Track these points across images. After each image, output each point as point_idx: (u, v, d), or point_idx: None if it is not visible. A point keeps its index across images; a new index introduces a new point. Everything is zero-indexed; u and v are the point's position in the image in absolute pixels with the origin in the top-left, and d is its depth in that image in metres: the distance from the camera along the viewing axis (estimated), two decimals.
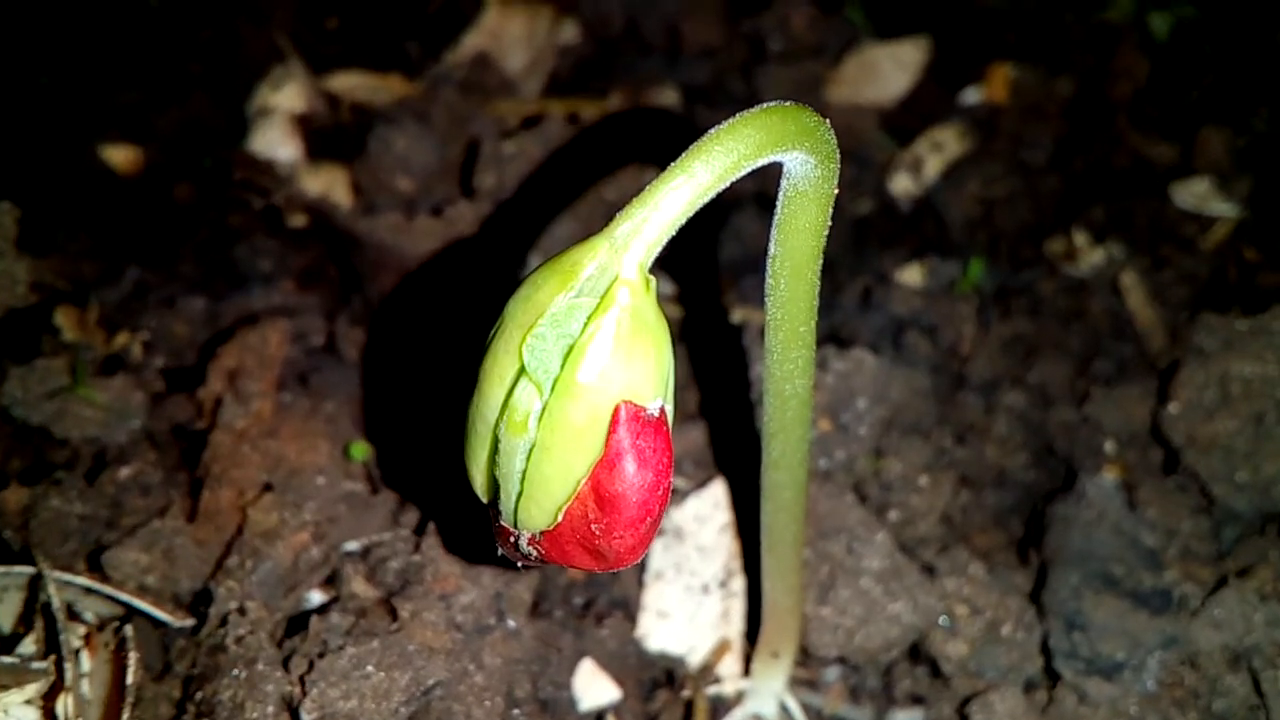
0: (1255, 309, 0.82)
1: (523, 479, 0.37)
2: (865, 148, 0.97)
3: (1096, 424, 0.77)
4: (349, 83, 0.93)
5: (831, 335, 0.81)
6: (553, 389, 0.36)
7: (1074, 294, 0.85)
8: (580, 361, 0.35)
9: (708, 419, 0.72)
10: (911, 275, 0.86)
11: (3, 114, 0.86)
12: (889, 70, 0.98)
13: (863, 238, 0.92)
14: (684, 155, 0.37)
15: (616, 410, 0.36)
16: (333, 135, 0.90)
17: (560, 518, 0.37)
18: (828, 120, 0.39)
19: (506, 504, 0.39)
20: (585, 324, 0.36)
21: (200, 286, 0.77)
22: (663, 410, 0.37)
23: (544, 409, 0.36)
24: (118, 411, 0.64)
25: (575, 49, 1.02)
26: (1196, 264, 0.88)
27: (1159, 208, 0.91)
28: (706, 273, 0.83)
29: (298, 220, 0.82)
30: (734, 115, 0.38)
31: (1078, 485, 0.70)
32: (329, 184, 0.86)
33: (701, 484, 0.68)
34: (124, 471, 0.61)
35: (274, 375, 0.65)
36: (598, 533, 0.37)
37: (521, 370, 0.36)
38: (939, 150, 0.95)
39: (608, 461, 0.36)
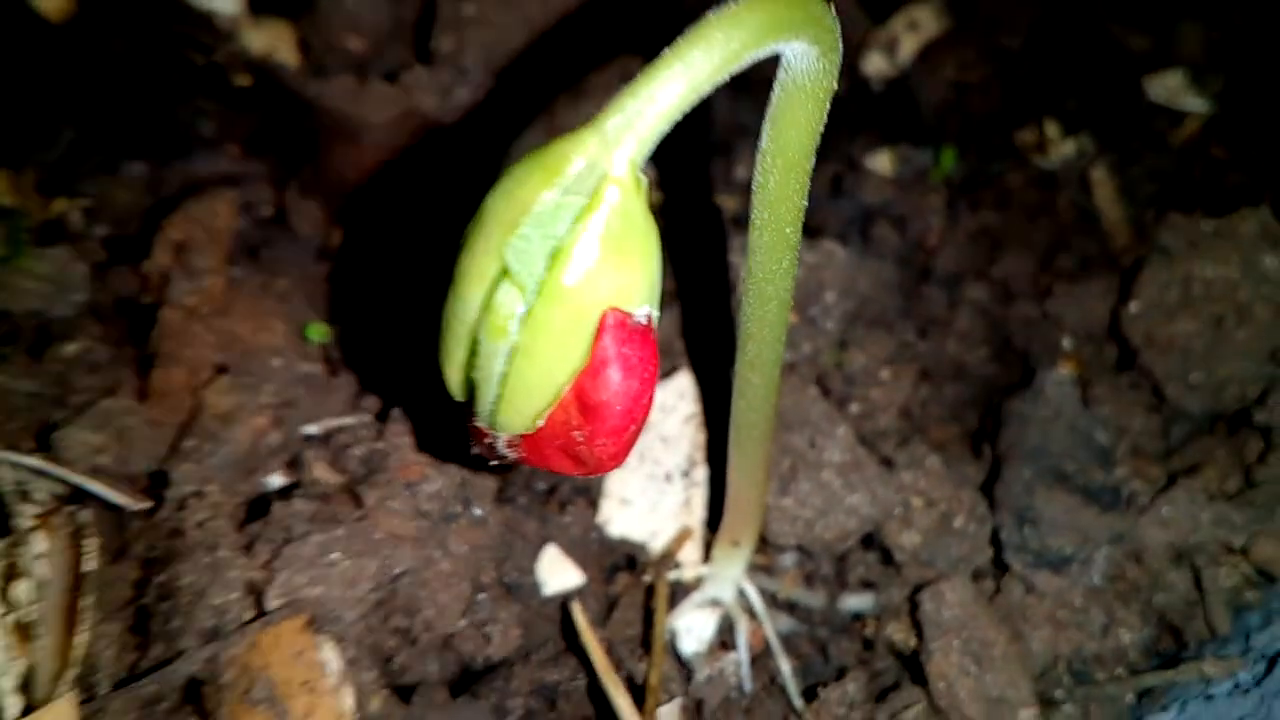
0: (1220, 208, 0.83)
1: (502, 382, 0.36)
2: (840, 24, 0.93)
3: (1056, 320, 0.78)
4: None
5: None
6: (537, 292, 0.34)
7: (1042, 187, 0.85)
8: (566, 264, 0.34)
9: (677, 307, 0.71)
10: (882, 163, 0.84)
11: None
12: None
13: (833, 119, 0.90)
14: (680, 41, 0.35)
15: (603, 316, 0.34)
16: None
17: (541, 423, 0.36)
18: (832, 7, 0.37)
19: (484, 406, 0.37)
20: (572, 224, 0.34)
21: (141, 150, 0.73)
22: (649, 317, 0.36)
23: (527, 313, 0.35)
24: (59, 284, 0.61)
25: None
26: (1165, 160, 0.88)
27: (1132, 100, 0.90)
28: (682, 153, 0.81)
29: (242, 80, 0.77)
30: None
31: (1035, 382, 0.71)
32: (273, 41, 0.81)
33: (667, 374, 0.68)
34: (70, 348, 0.58)
35: (224, 249, 0.62)
36: (579, 439, 0.37)
37: (504, 271, 0.35)
38: (915, 30, 0.92)
39: (592, 369, 0.35)
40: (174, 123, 0.75)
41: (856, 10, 0.94)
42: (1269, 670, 0.57)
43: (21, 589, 0.48)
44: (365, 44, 0.78)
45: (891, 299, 0.75)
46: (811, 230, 0.78)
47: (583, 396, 0.36)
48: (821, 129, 0.40)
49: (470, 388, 0.38)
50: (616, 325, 0.35)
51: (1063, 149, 0.87)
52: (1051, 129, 0.88)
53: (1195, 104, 0.90)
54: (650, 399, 0.37)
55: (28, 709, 0.49)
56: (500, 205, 0.35)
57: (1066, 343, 0.77)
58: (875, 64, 0.92)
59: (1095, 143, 0.88)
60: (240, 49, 0.77)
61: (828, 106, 0.39)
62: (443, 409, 0.57)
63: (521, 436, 0.37)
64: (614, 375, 0.35)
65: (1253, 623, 0.64)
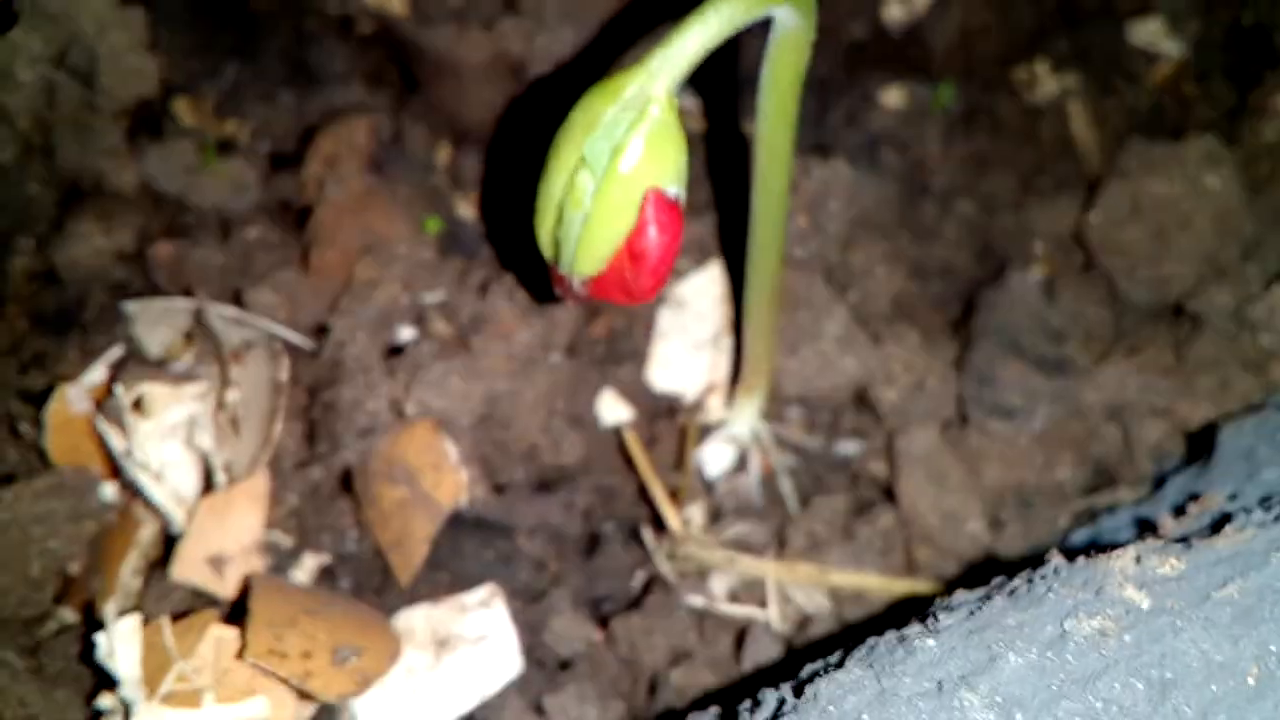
0: (1181, 137, 0.97)
1: (579, 239, 0.54)
2: None
3: (1031, 229, 0.93)
4: None
5: (817, 146, 0.96)
6: (603, 176, 0.52)
7: (1029, 117, 1.00)
8: (622, 157, 0.51)
9: (712, 211, 0.88)
10: (892, 97, 1.00)
11: None
12: None
13: (855, 61, 1.06)
14: (701, 7, 0.52)
15: (646, 193, 0.52)
16: None
17: (604, 267, 0.54)
18: None
19: (566, 257, 0.55)
20: (627, 131, 0.51)
21: (287, 83, 0.91)
22: (678, 196, 0.53)
23: (596, 190, 0.52)
24: (237, 185, 0.80)
25: None
26: (1140, 96, 1.02)
27: (1115, 43, 1.04)
28: (723, 91, 0.97)
29: (365, 27, 0.95)
30: None
31: (1004, 277, 0.87)
32: None
33: (701, 264, 0.85)
34: (250, 233, 0.78)
35: (363, 162, 0.81)
36: (629, 277, 0.54)
37: (581, 160, 0.52)
38: None
39: (639, 228, 0.52)
40: (309, 62, 0.93)
41: None
42: (1155, 488, 0.73)
43: (232, 395, 0.68)
44: None
45: (891, 210, 0.91)
46: (826, 151, 0.95)
47: (632, 247, 0.53)
48: (805, 69, 0.56)
49: (556, 245, 0.56)
50: (655, 199, 0.52)
51: (1049, 85, 1.02)
52: (1041, 67, 1.03)
53: (1171, 47, 1.04)
54: (677, 249, 0.54)
55: (230, 482, 0.69)
56: (579, 116, 0.52)
57: (1039, 248, 0.93)
58: (893, 12, 1.07)
59: (1079, 79, 1.02)
60: (360, 2, 0.94)
61: (809, 52, 0.55)
62: (530, 273, 0.76)
63: (590, 278, 0.55)
64: (652, 233, 0.53)
65: (1168, 465, 0.81)
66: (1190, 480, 0.69)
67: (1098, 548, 0.52)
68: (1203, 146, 0.89)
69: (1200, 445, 0.73)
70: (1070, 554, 0.50)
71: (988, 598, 0.48)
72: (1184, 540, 0.50)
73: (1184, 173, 0.89)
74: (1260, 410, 0.72)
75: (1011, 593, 0.47)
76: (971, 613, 0.47)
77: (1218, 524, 0.53)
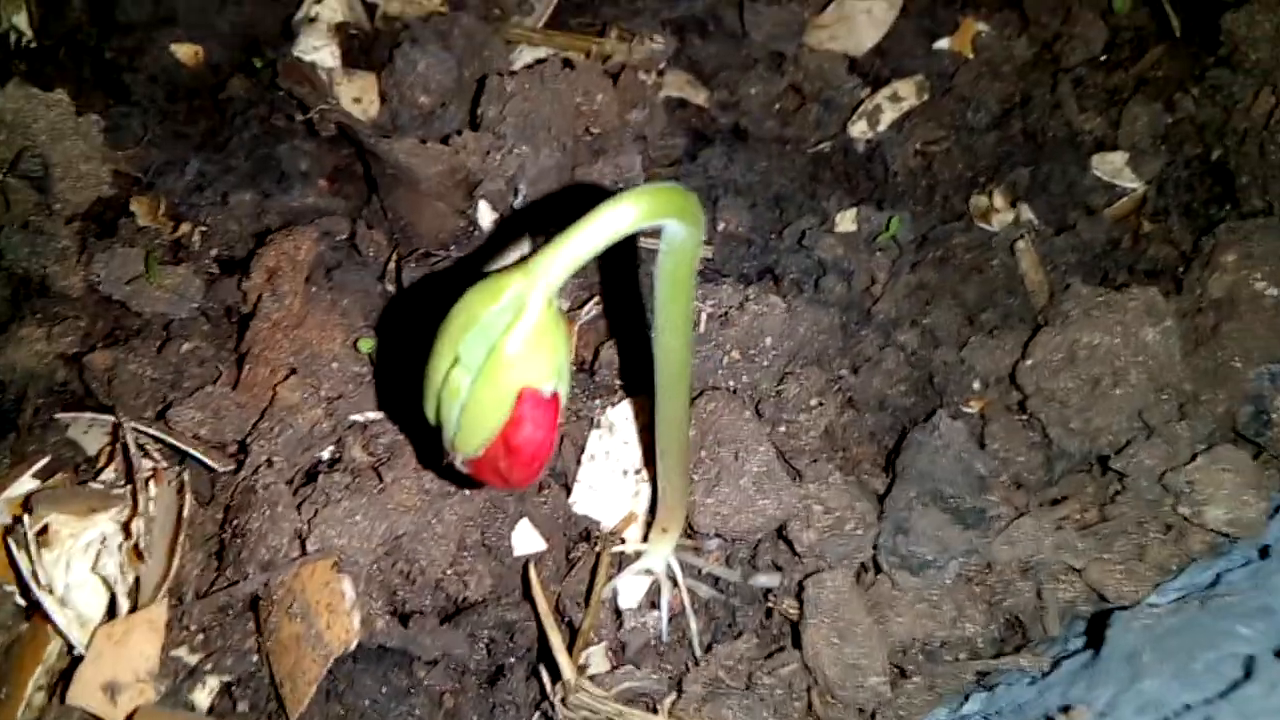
0: (1135, 278, 0.98)
1: (458, 426, 0.55)
2: (834, 92, 1.09)
3: (970, 366, 0.93)
4: None
5: (767, 270, 0.97)
6: (479, 373, 0.53)
7: (981, 250, 1.00)
8: (497, 357, 0.52)
9: (636, 342, 0.89)
10: (847, 221, 1.01)
11: (97, 13, 1.00)
12: (863, 24, 1.09)
13: (817, 174, 1.07)
14: (589, 215, 0.53)
15: (520, 391, 0.53)
16: (367, 44, 1.04)
17: (481, 452, 0.56)
18: (694, 197, 0.54)
19: (447, 438, 0.57)
20: (503, 332, 0.53)
21: (249, 181, 0.94)
22: (555, 393, 0.55)
23: (472, 385, 0.54)
24: (180, 293, 0.83)
25: None
26: (1096, 230, 1.02)
27: (1076, 176, 1.04)
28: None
29: (331, 128, 0.97)
30: (627, 190, 0.53)
31: (934, 418, 0.88)
32: (362, 89, 1.01)
33: (634, 391, 0.86)
34: (185, 346, 0.80)
35: (303, 276, 0.83)
36: (503, 467, 0.56)
37: (456, 359, 0.54)
38: (896, 102, 1.08)
39: (514, 423, 0.54)
40: (275, 158, 0.96)
41: (850, 78, 1.10)
42: (1054, 667, 0.74)
43: (137, 524, 0.70)
44: (432, 100, 0.97)
45: (831, 340, 0.92)
46: (775, 276, 0.96)
47: (507, 439, 0.55)
48: (695, 266, 0.57)
49: (439, 424, 0.57)
50: (530, 398, 0.53)
51: (1005, 216, 1.02)
52: (999, 198, 1.03)
53: (1133, 183, 1.04)
54: (551, 444, 0.56)
55: (132, 609, 0.71)
56: (459, 314, 0.54)
57: (976, 385, 0.93)
58: (860, 128, 1.08)
59: (1036, 212, 1.03)
60: (334, 100, 0.96)
61: (698, 255, 0.56)
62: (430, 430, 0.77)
63: (469, 460, 0.57)
64: (526, 429, 0.54)
65: (1077, 628, 0.81)
66: (1080, 668, 0.69)
67: None
68: (1144, 298, 0.89)
69: (1099, 627, 0.74)
70: None
71: None
72: None
73: (1123, 323, 0.89)
74: (1154, 607, 0.72)
75: None
76: None
77: None
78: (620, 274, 0.93)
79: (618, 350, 0.88)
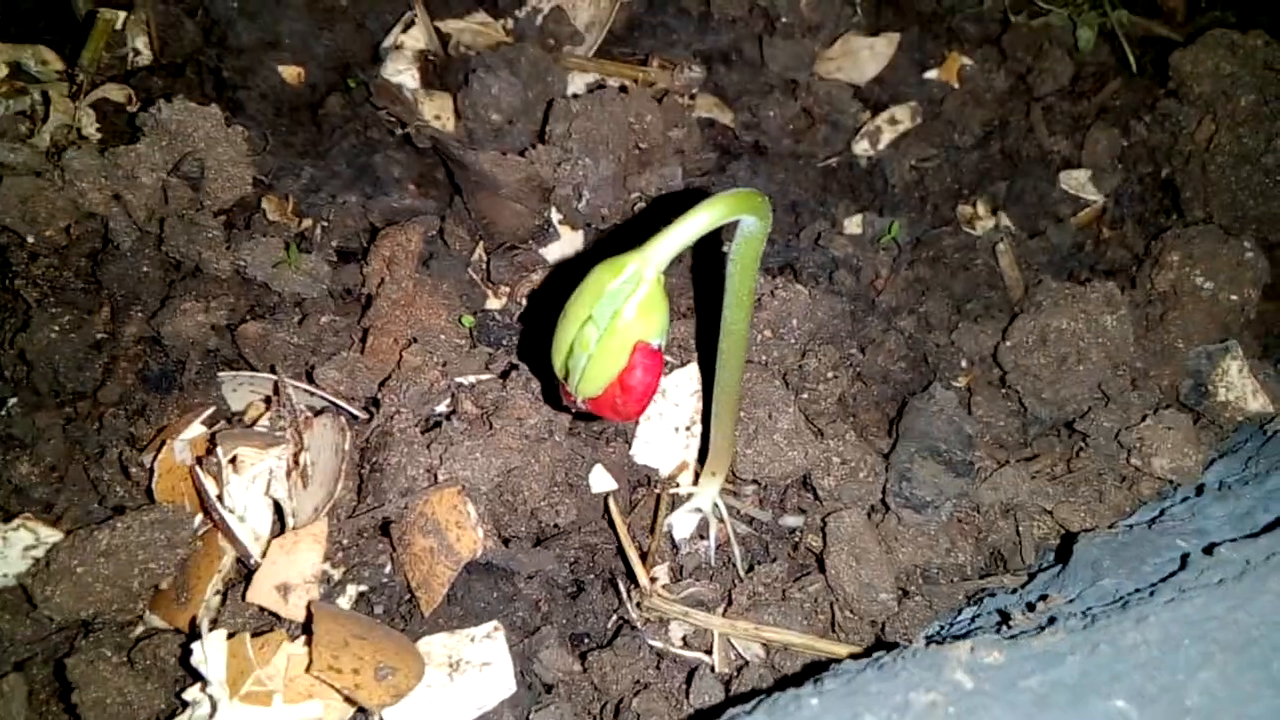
0: (1095, 276, 1.16)
1: (584, 372, 0.72)
2: (840, 114, 1.28)
3: (959, 347, 1.11)
4: (457, 26, 1.23)
5: (788, 264, 1.15)
6: (605, 330, 0.70)
7: (967, 250, 1.19)
8: (619, 318, 0.69)
9: (694, 318, 1.07)
10: (854, 225, 1.19)
11: (210, 36, 1.16)
12: (865, 57, 1.28)
13: (827, 186, 1.25)
14: (690, 211, 0.69)
15: (636, 345, 0.70)
16: (441, 69, 1.21)
17: (601, 392, 0.72)
18: (766, 199, 0.72)
19: (573, 382, 0.73)
20: (624, 299, 0.70)
21: (351, 185, 1.10)
22: (660, 347, 0.72)
23: (599, 338, 0.70)
24: (312, 276, 0.99)
25: (629, 5, 1.31)
26: (1064, 235, 1.21)
27: (1046, 189, 1.23)
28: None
29: (420, 140, 1.14)
30: (711, 194, 0.70)
31: (930, 388, 1.06)
32: (440, 108, 1.18)
33: (684, 362, 1.04)
34: (322, 319, 0.96)
35: (414, 263, 0.99)
36: (619, 402, 0.73)
37: (589, 318, 0.71)
38: (894, 125, 1.26)
39: (629, 369, 0.70)
40: (372, 166, 1.12)
41: (854, 103, 1.28)
42: (1030, 580, 0.92)
43: (304, 456, 0.86)
44: (503, 118, 1.14)
45: (843, 324, 1.10)
46: (795, 270, 1.14)
47: (623, 382, 0.71)
48: (761, 252, 0.74)
49: (566, 371, 0.74)
50: (642, 349, 0.70)
51: (987, 222, 1.21)
52: (982, 206, 1.22)
53: (1094, 196, 1.23)
54: (655, 386, 0.73)
55: (294, 527, 0.87)
56: (590, 284, 0.70)
57: (964, 363, 1.12)
58: (863, 147, 1.26)
59: (1012, 219, 1.21)
60: (420, 118, 1.13)
61: (764, 242, 0.74)
62: (543, 376, 0.94)
63: (589, 399, 0.73)
64: (639, 374, 0.71)
65: (1046, 558, 0.99)
66: (1051, 579, 0.87)
67: (960, 635, 0.70)
68: (1104, 291, 1.07)
69: (1067, 548, 0.92)
70: (930, 640, 0.68)
71: (863, 669, 0.66)
72: (1014, 636, 0.68)
73: (1086, 312, 1.07)
74: (1111, 529, 0.91)
75: (880, 666, 0.65)
76: (849, 680, 0.65)
77: (1048, 621, 0.71)
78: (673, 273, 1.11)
79: (670, 330, 1.06)
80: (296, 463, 0.85)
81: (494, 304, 1.04)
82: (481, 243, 1.08)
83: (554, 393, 0.88)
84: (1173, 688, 0.60)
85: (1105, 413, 1.03)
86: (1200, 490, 0.94)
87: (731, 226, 0.72)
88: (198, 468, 0.84)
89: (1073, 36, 1.32)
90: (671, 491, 0.98)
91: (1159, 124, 1.25)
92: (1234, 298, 1.06)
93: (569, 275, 0.75)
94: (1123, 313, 1.06)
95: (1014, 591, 0.93)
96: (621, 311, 0.68)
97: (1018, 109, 1.29)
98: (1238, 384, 1.02)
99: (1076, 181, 1.24)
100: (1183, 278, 1.09)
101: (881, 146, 1.25)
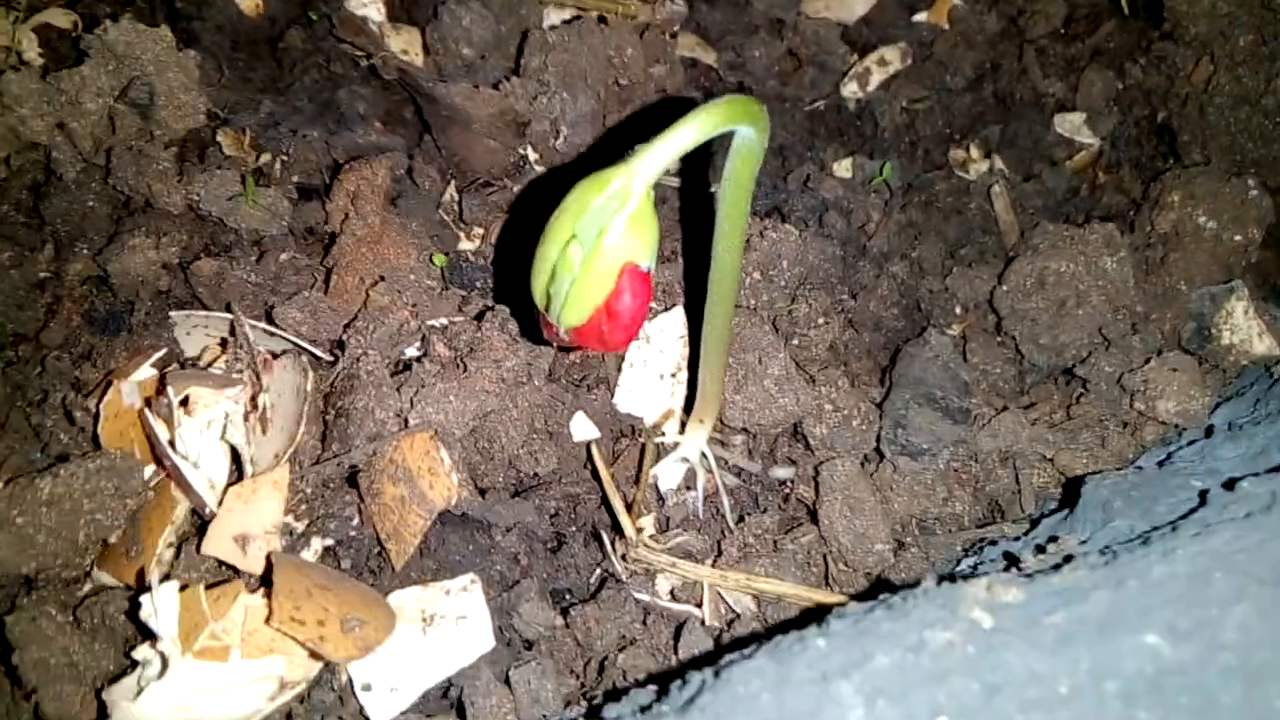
0: (1090, 220, 1.12)
1: (567, 297, 0.66)
2: (828, 56, 1.22)
3: (953, 293, 1.07)
4: None
5: (774, 208, 1.10)
6: (590, 250, 0.65)
7: (960, 194, 1.14)
8: (605, 237, 0.64)
9: (680, 261, 1.01)
10: (843, 168, 1.14)
11: None
12: None
13: (814, 129, 1.20)
14: (679, 121, 0.64)
15: (624, 266, 0.65)
16: (410, 2, 1.15)
17: (585, 321, 0.67)
18: (764, 107, 0.66)
19: (555, 309, 0.68)
20: (610, 216, 0.64)
21: (314, 120, 1.04)
22: (649, 268, 0.66)
23: (584, 259, 0.65)
24: (272, 212, 0.92)
25: None
26: (1059, 179, 1.17)
27: (1040, 133, 1.19)
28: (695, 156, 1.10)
29: (387, 73, 1.07)
30: (708, 101, 0.65)
31: (924, 334, 1.01)
32: (407, 42, 1.11)
33: (668, 307, 0.98)
34: (281, 256, 0.90)
35: (381, 199, 0.93)
36: (605, 331, 0.67)
37: (574, 235, 0.65)
38: (884, 66, 1.21)
39: (616, 293, 0.65)
40: (336, 101, 1.06)
41: (841, 44, 1.23)
42: (1032, 526, 0.88)
43: (264, 398, 0.80)
44: (474, 53, 1.08)
45: (834, 269, 1.05)
46: (783, 214, 1.08)
47: (609, 307, 0.66)
48: (756, 173, 0.69)
49: (547, 299, 0.69)
50: (631, 271, 0.65)
51: (980, 166, 1.16)
52: (975, 150, 1.17)
53: (1089, 139, 1.19)
54: (645, 312, 0.67)
55: (253, 474, 0.81)
56: (573, 201, 0.65)
57: (958, 309, 1.07)
58: (851, 89, 1.21)
59: (1006, 163, 1.17)
60: (387, 51, 1.07)
61: (761, 157, 0.68)
62: (520, 312, 0.88)
63: (573, 328, 0.68)
64: (626, 298, 0.65)
65: (1048, 507, 0.95)
66: (1058, 523, 0.83)
67: (971, 575, 0.65)
68: (1103, 232, 1.03)
69: (1071, 493, 0.88)
70: (941, 579, 0.63)
71: (871, 610, 0.61)
72: (1031, 575, 0.64)
73: (1085, 254, 1.03)
74: (1120, 470, 0.87)
75: (889, 606, 0.61)
76: (856, 621, 0.60)
77: (1065, 559, 0.67)
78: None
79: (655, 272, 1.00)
80: (255, 405, 0.79)
81: (467, 245, 0.98)
82: (453, 181, 1.02)
83: (533, 327, 0.83)
84: (1207, 623, 0.56)
85: (1106, 357, 0.99)
86: (1209, 432, 0.90)
87: (720, 160, 0.67)
88: (147, 411, 0.77)
89: None
90: (657, 441, 0.93)
91: (1154, 66, 1.21)
92: (1238, 238, 1.03)
93: (546, 212, 0.70)
94: (1123, 254, 1.02)
95: (1017, 539, 0.88)
96: (608, 229, 0.63)
97: (1010, 51, 1.24)
98: (1243, 326, 0.98)
99: (1071, 125, 1.19)
100: (1184, 218, 1.05)
101: (871, 89, 1.21)
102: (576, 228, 0.64)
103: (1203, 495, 0.71)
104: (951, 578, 0.63)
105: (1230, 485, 0.70)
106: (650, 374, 0.96)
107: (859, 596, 0.83)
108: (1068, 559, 0.67)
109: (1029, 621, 0.57)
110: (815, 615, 0.82)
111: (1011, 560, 0.76)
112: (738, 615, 0.84)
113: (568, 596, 0.84)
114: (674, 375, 0.96)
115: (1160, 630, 0.56)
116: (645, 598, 0.84)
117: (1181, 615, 0.56)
